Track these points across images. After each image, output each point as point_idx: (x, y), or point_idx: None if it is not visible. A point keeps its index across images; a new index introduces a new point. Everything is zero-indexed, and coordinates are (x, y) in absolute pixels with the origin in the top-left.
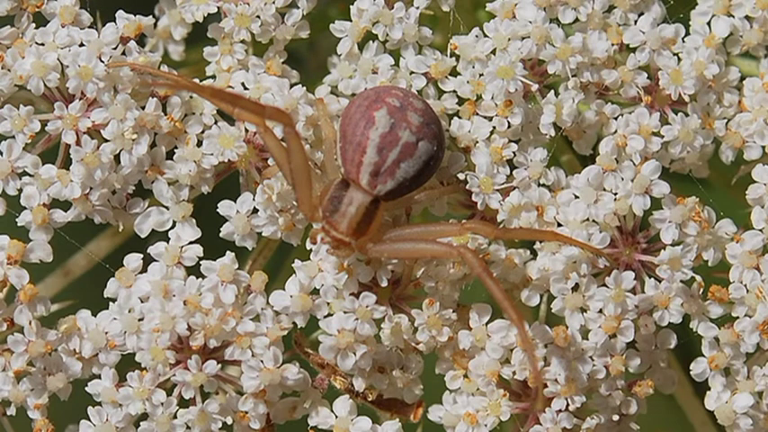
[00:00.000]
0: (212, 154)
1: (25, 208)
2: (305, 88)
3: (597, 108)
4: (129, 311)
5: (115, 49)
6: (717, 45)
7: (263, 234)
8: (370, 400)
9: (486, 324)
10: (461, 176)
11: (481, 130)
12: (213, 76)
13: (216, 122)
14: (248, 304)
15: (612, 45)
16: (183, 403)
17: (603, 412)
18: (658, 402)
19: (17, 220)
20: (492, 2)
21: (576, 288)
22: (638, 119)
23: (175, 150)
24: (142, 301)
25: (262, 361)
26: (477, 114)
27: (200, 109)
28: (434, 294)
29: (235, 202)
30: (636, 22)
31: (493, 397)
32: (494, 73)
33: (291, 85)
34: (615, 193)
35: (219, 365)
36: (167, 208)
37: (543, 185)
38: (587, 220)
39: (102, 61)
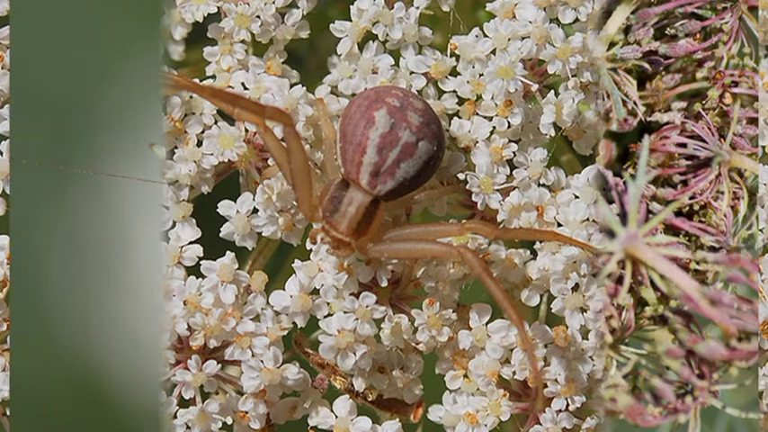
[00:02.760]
0: (212, 154)
1: None
2: (305, 88)
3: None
4: None
5: None
6: None
7: (263, 234)
8: (370, 400)
9: (486, 324)
10: (461, 176)
11: (481, 130)
12: (213, 76)
13: (216, 122)
14: (248, 304)
15: None
16: (183, 403)
17: None
18: None
19: None
20: (492, 2)
21: (576, 288)
22: None
23: (175, 150)
24: None
25: (262, 361)
26: (477, 114)
27: (200, 109)
28: (434, 294)
29: (235, 202)
30: None
31: (493, 397)
32: (494, 73)
33: (291, 85)
34: None
35: (219, 365)
36: (167, 208)
37: (543, 185)
38: (587, 220)
39: None
